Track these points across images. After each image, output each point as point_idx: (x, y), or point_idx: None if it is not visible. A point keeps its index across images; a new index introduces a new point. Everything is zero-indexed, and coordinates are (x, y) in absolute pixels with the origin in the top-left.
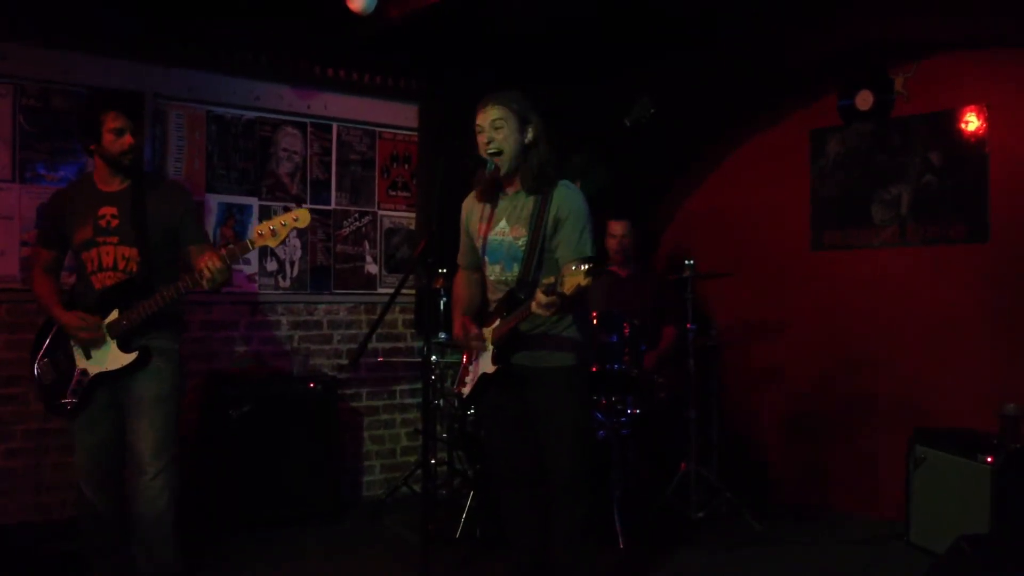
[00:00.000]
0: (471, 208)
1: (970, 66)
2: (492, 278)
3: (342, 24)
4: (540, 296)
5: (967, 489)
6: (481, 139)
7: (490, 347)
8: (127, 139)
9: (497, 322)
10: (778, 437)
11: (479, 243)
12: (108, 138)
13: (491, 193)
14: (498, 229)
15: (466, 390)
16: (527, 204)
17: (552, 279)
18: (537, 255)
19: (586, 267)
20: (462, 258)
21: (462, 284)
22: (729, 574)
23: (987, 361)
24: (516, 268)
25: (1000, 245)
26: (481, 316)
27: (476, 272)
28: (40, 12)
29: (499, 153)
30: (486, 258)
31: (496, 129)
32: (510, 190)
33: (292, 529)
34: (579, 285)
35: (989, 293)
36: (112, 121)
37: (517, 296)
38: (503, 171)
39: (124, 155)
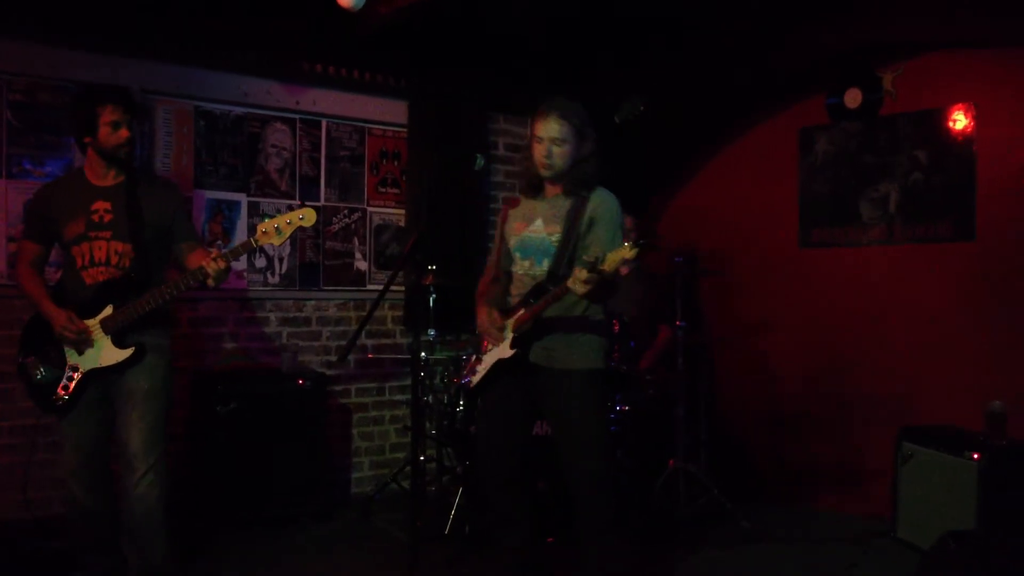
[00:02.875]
0: (511, 213)
1: (958, 65)
2: (520, 272)
3: (331, 20)
4: (580, 272)
5: (953, 486)
6: (538, 149)
7: (510, 334)
8: (123, 132)
9: (520, 312)
10: (766, 434)
11: (512, 241)
12: (104, 131)
13: (532, 194)
14: (533, 227)
15: (476, 378)
16: (564, 204)
17: (594, 257)
18: (569, 252)
19: (629, 243)
20: (492, 261)
21: (488, 283)
22: (716, 571)
23: (973, 358)
24: (546, 263)
25: (987, 244)
26: (502, 312)
27: (504, 275)
28: (26, 7)
29: (551, 167)
30: (517, 254)
31: (557, 145)
32: (551, 193)
33: (281, 526)
34: (623, 259)
35: (976, 291)
36: (109, 114)
37: (545, 288)
38: (550, 178)
39: (120, 148)
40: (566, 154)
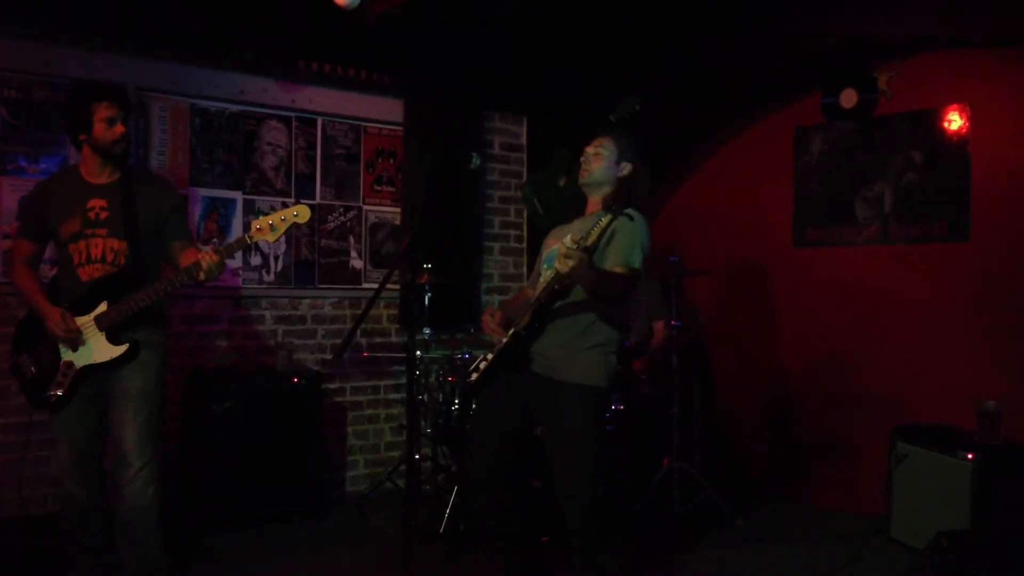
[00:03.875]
0: (552, 232)
1: (953, 65)
2: (542, 281)
3: (328, 19)
4: (563, 248)
5: (948, 485)
6: (582, 160)
7: (511, 330)
8: (118, 128)
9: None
10: (761, 433)
11: (543, 255)
12: (99, 127)
13: (574, 215)
14: (563, 241)
15: (476, 375)
16: (594, 221)
17: (580, 237)
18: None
19: (608, 215)
20: (530, 279)
21: (517, 298)
22: (711, 570)
23: (967, 358)
24: None
25: (981, 243)
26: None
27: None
28: (22, 3)
29: (588, 172)
30: (544, 266)
31: (594, 156)
32: (589, 210)
33: (276, 525)
34: (602, 229)
35: (970, 291)
36: (104, 110)
37: (554, 285)
38: (587, 183)
39: (115, 144)
40: (602, 162)
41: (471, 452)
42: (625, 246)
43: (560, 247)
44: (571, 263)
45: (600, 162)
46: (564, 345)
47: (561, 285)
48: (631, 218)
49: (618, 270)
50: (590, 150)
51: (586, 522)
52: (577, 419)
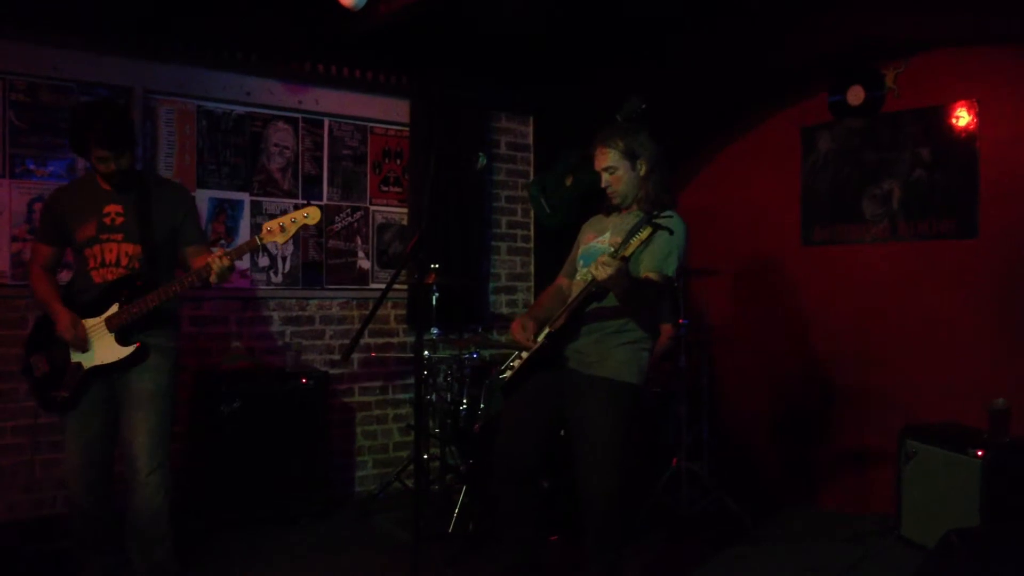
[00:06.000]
0: (589, 224)
1: (961, 62)
2: (578, 279)
3: (333, 19)
4: (602, 256)
5: (958, 483)
6: (604, 185)
7: (546, 330)
8: (111, 167)
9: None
10: (769, 433)
11: (580, 251)
12: (94, 160)
13: (609, 212)
14: (601, 238)
15: (508, 374)
16: (632, 220)
17: (619, 244)
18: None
19: (648, 227)
20: (563, 268)
21: (549, 291)
22: (720, 570)
23: (976, 356)
24: None
25: (989, 240)
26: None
27: (568, 284)
28: (29, 7)
29: (616, 194)
30: (580, 262)
31: (610, 173)
32: (625, 211)
33: (284, 525)
34: (641, 242)
35: (978, 288)
36: (97, 150)
37: (590, 289)
38: (620, 204)
39: (110, 178)
40: (621, 179)
41: (499, 449)
42: (662, 253)
43: (600, 258)
44: (609, 271)
45: (620, 180)
46: (598, 342)
47: (597, 290)
48: (671, 232)
49: (651, 276)
50: (600, 169)
51: (604, 519)
52: (607, 415)
